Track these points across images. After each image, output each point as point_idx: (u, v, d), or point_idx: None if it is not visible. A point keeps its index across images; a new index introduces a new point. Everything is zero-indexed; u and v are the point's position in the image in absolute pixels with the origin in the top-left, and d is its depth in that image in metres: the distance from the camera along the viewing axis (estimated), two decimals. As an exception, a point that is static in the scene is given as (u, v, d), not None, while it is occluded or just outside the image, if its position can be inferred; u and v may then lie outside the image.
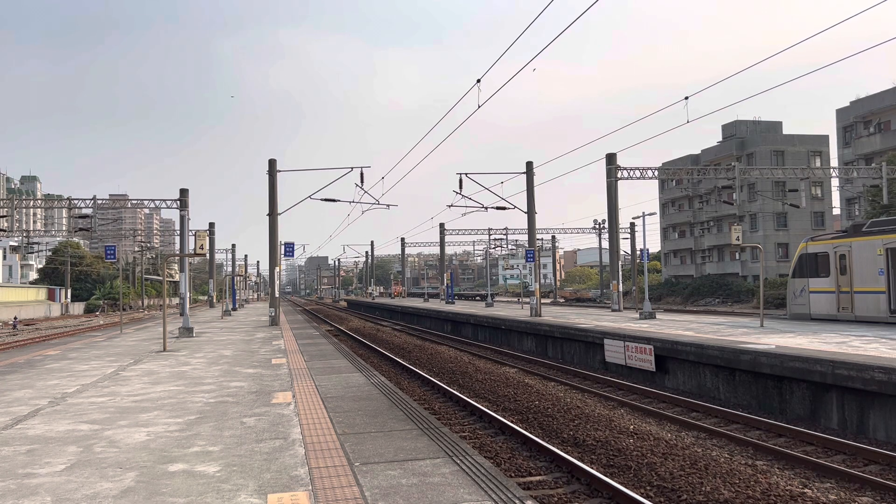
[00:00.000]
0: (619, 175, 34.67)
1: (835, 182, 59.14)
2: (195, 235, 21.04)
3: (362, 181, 33.26)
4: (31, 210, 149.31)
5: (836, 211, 65.35)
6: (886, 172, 37.11)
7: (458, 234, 69.71)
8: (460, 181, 34.09)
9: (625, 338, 19.81)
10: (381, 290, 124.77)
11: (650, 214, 35.27)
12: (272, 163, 32.86)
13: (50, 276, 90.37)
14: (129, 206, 46.19)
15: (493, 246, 74.68)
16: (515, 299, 77.95)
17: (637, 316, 29.59)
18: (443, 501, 5.79)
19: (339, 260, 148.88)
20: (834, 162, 61.33)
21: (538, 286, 32.97)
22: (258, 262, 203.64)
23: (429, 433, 8.41)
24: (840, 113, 59.71)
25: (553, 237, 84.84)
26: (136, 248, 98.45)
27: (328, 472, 6.67)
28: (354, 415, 9.66)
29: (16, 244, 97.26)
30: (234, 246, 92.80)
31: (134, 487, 6.26)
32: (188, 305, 28.80)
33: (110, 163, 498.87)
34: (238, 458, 7.26)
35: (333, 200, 36.11)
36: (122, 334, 28.86)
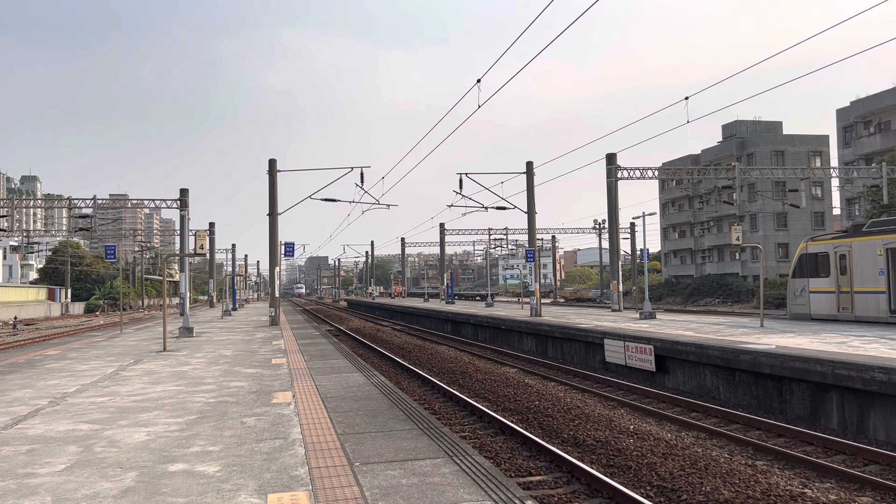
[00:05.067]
0: (619, 175, 34.66)
1: (835, 182, 59.17)
2: (195, 235, 21.04)
3: (362, 181, 33.26)
4: (31, 210, 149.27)
5: (836, 211, 65.35)
6: (886, 172, 37.10)
7: (458, 234, 69.70)
8: (460, 181, 34.11)
9: (625, 338, 19.80)
10: (381, 290, 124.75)
11: (650, 214, 35.28)
12: (272, 163, 32.85)
13: (50, 276, 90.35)
14: (129, 206, 46.19)
15: (493, 246, 74.65)
16: (515, 299, 77.93)
17: (637, 316, 29.58)
18: (443, 501, 5.78)
19: (339, 260, 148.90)
20: (834, 162, 61.35)
21: (538, 286, 32.97)
22: (258, 262, 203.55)
23: (429, 433, 8.41)
24: (840, 113, 59.70)
25: (553, 237, 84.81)
26: (136, 248, 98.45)
27: (328, 472, 6.67)
28: (354, 415, 9.66)
29: (16, 244, 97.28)
30: (234, 246, 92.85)
31: (134, 487, 6.26)
32: (188, 305, 28.79)
33: (110, 163, 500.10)
34: (238, 457, 7.26)
35: (333, 200, 36.11)
36: (122, 334, 28.86)
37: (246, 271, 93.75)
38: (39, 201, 50.49)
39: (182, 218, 39.52)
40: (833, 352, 14.05)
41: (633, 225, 70.07)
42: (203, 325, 34.12)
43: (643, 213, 33.34)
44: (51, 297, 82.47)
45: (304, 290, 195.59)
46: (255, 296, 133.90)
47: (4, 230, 42.71)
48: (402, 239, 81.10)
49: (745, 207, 65.18)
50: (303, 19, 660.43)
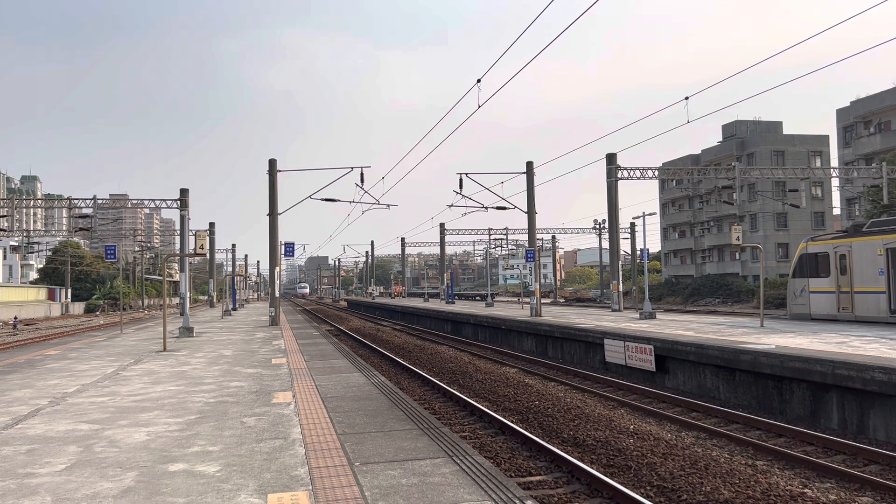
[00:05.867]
0: (619, 175, 34.66)
1: (835, 182, 59.15)
2: (195, 235, 21.04)
3: (362, 181, 33.25)
4: (32, 210, 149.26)
5: (837, 211, 65.33)
6: (886, 172, 37.10)
7: (458, 234, 69.70)
8: (460, 181, 34.10)
9: (625, 338, 19.80)
10: (382, 290, 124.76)
11: (650, 214, 35.27)
12: (272, 163, 32.86)
13: (50, 276, 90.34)
14: (129, 206, 46.20)
15: (493, 246, 74.65)
16: (515, 299, 77.92)
17: (637, 316, 29.58)
18: (443, 501, 5.79)
19: (339, 260, 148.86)
20: (834, 162, 61.34)
21: (538, 286, 32.96)
22: (258, 261, 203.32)
23: (429, 433, 8.41)
24: (840, 113, 59.69)
25: (553, 237, 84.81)
26: (136, 248, 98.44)
27: (328, 472, 6.67)
28: (354, 415, 9.66)
29: (16, 244, 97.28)
30: (234, 246, 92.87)
31: (134, 487, 6.26)
32: (188, 305, 28.79)
33: (110, 163, 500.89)
34: (238, 457, 7.26)
35: (333, 200, 36.11)
36: (123, 334, 28.86)
37: (246, 271, 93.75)
38: (39, 201, 50.48)
39: (182, 218, 39.51)
40: (833, 352, 14.05)
41: (633, 225, 70.10)
42: (203, 325, 34.12)
43: (643, 213, 33.35)
44: (51, 297, 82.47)
45: (307, 290, 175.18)
46: (256, 296, 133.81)
47: (4, 230, 42.70)
48: (402, 239, 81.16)
49: (745, 207, 65.17)
50: (303, 19, 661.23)
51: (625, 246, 73.44)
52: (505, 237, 73.26)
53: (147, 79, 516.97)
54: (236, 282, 66.79)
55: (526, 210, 34.72)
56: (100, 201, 40.93)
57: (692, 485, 8.42)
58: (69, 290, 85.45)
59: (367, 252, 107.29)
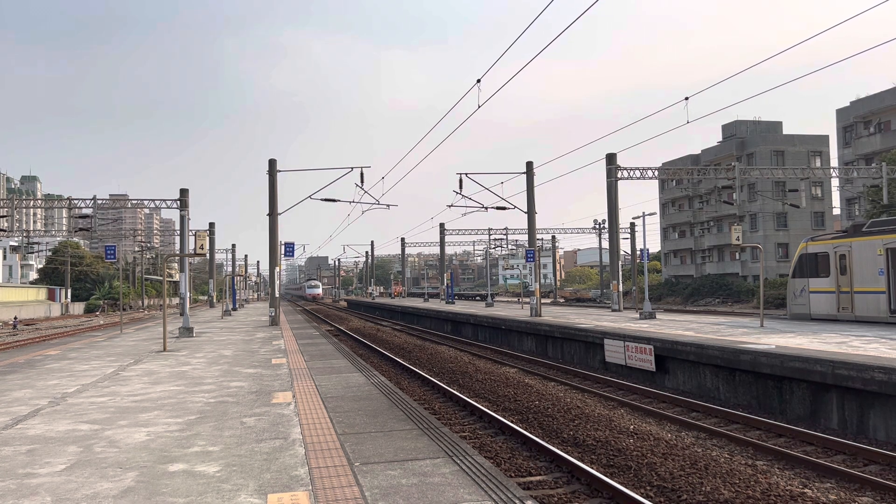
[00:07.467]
0: (619, 175, 34.66)
1: (835, 182, 59.14)
2: (195, 235, 21.05)
3: (362, 181, 33.25)
4: (32, 210, 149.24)
5: (836, 211, 65.31)
6: (886, 172, 37.10)
7: (458, 234, 69.70)
8: (460, 181, 34.09)
9: (625, 338, 19.80)
10: (381, 290, 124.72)
11: (650, 214, 35.25)
12: (272, 163, 32.86)
13: (50, 276, 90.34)
14: (129, 206, 46.16)
15: (493, 246, 74.65)
16: (515, 299, 77.92)
17: (637, 316, 29.58)
18: (443, 501, 5.79)
19: (339, 260, 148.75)
20: (834, 162, 61.33)
21: (538, 286, 32.96)
22: (258, 262, 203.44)
23: (429, 433, 8.41)
24: (840, 113, 59.69)
25: (553, 237, 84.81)
26: (136, 248, 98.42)
27: (328, 472, 6.67)
28: (354, 415, 9.66)
29: (16, 244, 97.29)
30: (234, 246, 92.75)
31: (134, 487, 6.26)
32: (188, 305, 28.80)
33: (110, 163, 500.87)
34: (238, 458, 7.26)
35: (333, 200, 36.11)
36: (122, 334, 28.86)
37: (246, 271, 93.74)
38: (39, 201, 50.48)
39: (182, 218, 39.51)
40: (833, 352, 14.05)
41: (633, 225, 70.08)
42: (203, 325, 34.12)
43: (643, 213, 33.34)
44: (51, 297, 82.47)
45: (320, 291, 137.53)
46: (255, 296, 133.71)
47: (4, 230, 42.70)
48: (402, 239, 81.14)
49: (745, 207, 65.15)
50: (303, 19, 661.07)
51: (625, 246, 73.52)
52: (505, 237, 73.30)
53: (147, 79, 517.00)
54: (236, 282, 66.79)
55: (526, 210, 34.72)
56: (100, 201, 40.92)
57: (692, 485, 8.42)
58: (69, 291, 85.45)
59: (367, 252, 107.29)
